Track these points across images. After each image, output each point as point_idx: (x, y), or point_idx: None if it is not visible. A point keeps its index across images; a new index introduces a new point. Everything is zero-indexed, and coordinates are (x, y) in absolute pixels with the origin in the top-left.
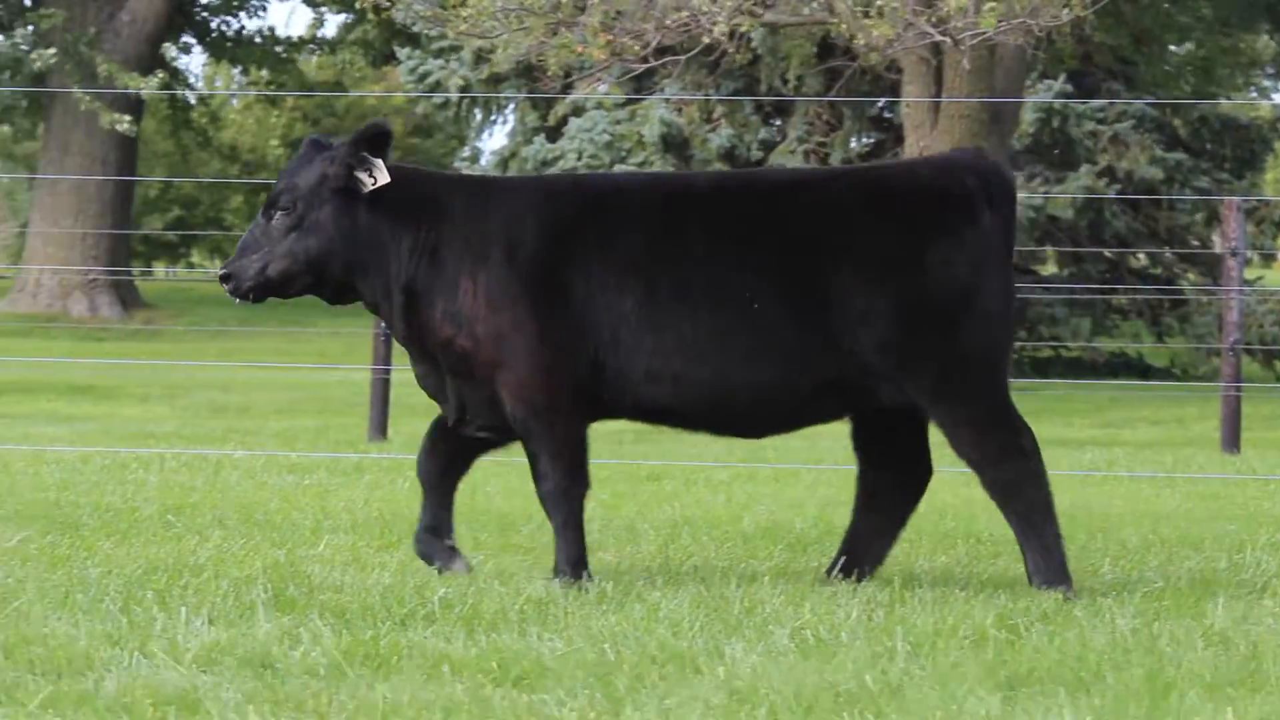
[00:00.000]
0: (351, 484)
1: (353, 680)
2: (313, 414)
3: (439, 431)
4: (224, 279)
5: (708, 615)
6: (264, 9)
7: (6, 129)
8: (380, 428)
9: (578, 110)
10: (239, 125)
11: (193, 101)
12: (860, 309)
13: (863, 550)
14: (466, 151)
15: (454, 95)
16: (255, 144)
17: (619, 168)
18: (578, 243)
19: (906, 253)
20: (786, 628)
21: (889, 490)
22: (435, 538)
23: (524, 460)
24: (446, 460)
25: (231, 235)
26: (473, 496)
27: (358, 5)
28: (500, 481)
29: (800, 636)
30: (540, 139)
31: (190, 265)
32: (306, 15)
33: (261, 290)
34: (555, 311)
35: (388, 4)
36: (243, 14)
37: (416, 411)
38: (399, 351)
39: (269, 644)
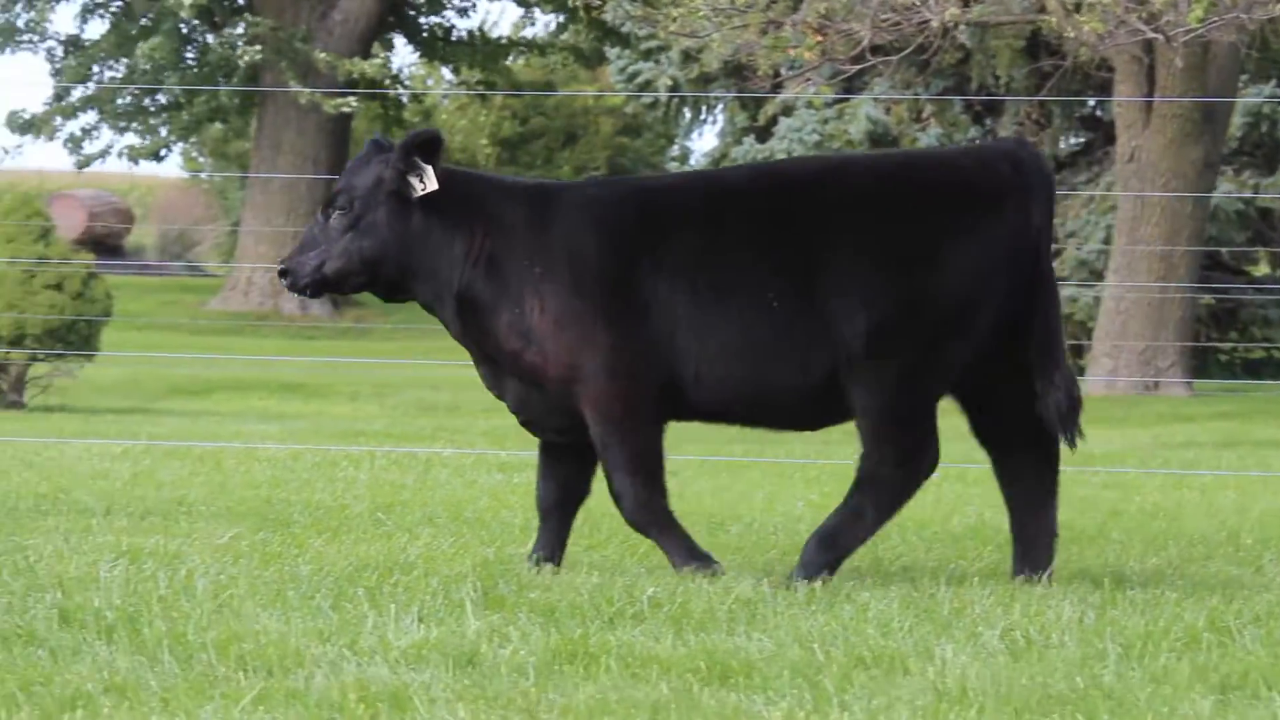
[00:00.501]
0: None
1: (561, 679)
2: None
3: (550, 458)
4: (282, 274)
5: (917, 616)
6: (474, 8)
7: (219, 128)
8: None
9: (787, 110)
10: (449, 125)
11: (405, 100)
12: (866, 296)
13: (1033, 538)
14: (675, 151)
15: (663, 95)
16: (465, 143)
17: None
18: (635, 250)
19: (923, 242)
20: (996, 628)
21: (1026, 465)
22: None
23: (729, 457)
24: (563, 487)
25: None
26: (681, 496)
27: (570, 3)
28: (709, 481)
29: (1010, 637)
30: (750, 139)
31: None
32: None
33: (318, 287)
34: (623, 321)
35: (599, 2)
36: (453, 13)
37: None
38: None
39: (478, 642)
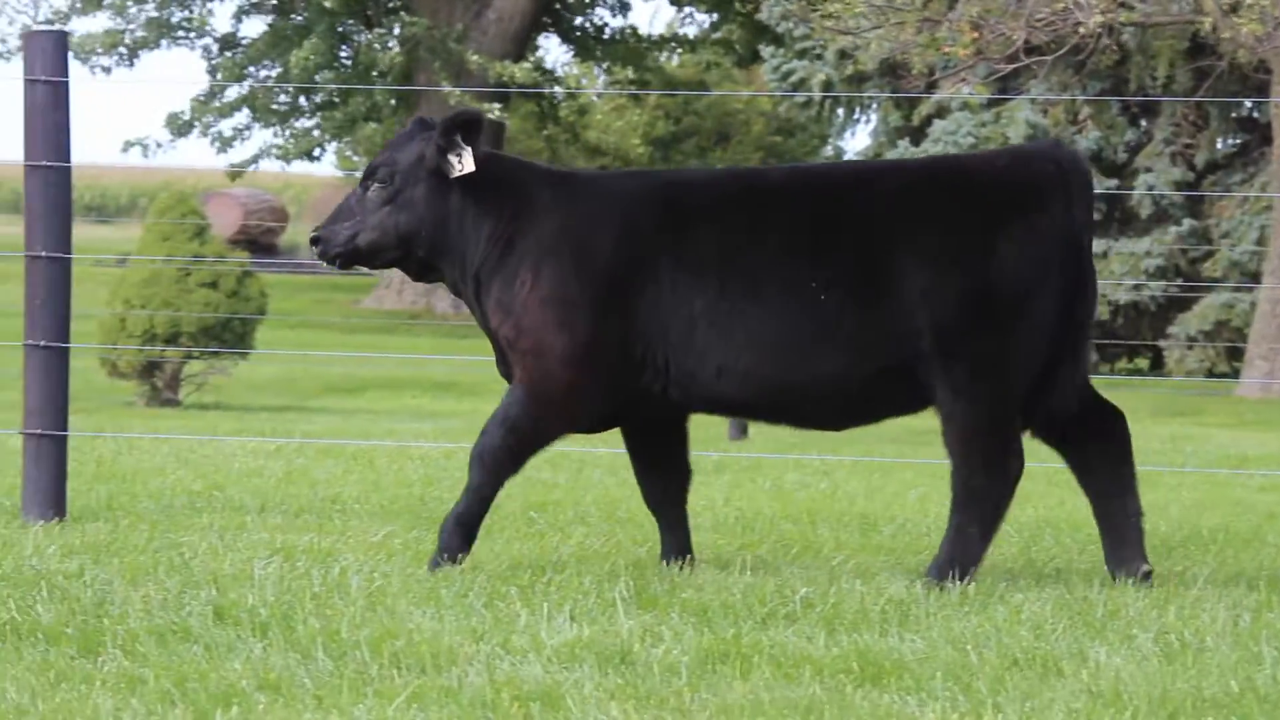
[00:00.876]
0: (711, 483)
1: (714, 678)
2: None
3: (639, 452)
4: (314, 241)
5: (1070, 618)
6: (628, 6)
7: (373, 127)
8: (741, 426)
9: (942, 111)
10: (603, 124)
11: (560, 98)
12: (922, 293)
13: (1119, 526)
14: (829, 151)
15: (817, 95)
16: (619, 143)
17: None
18: (653, 243)
19: (976, 240)
20: (1150, 631)
21: (1097, 455)
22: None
23: (882, 458)
24: (663, 478)
25: None
26: (834, 496)
27: (725, 2)
28: (862, 481)
29: (1164, 640)
30: (904, 141)
31: None
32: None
33: (349, 258)
34: (614, 316)
35: (753, 1)
36: (606, 11)
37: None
38: None
39: (631, 641)
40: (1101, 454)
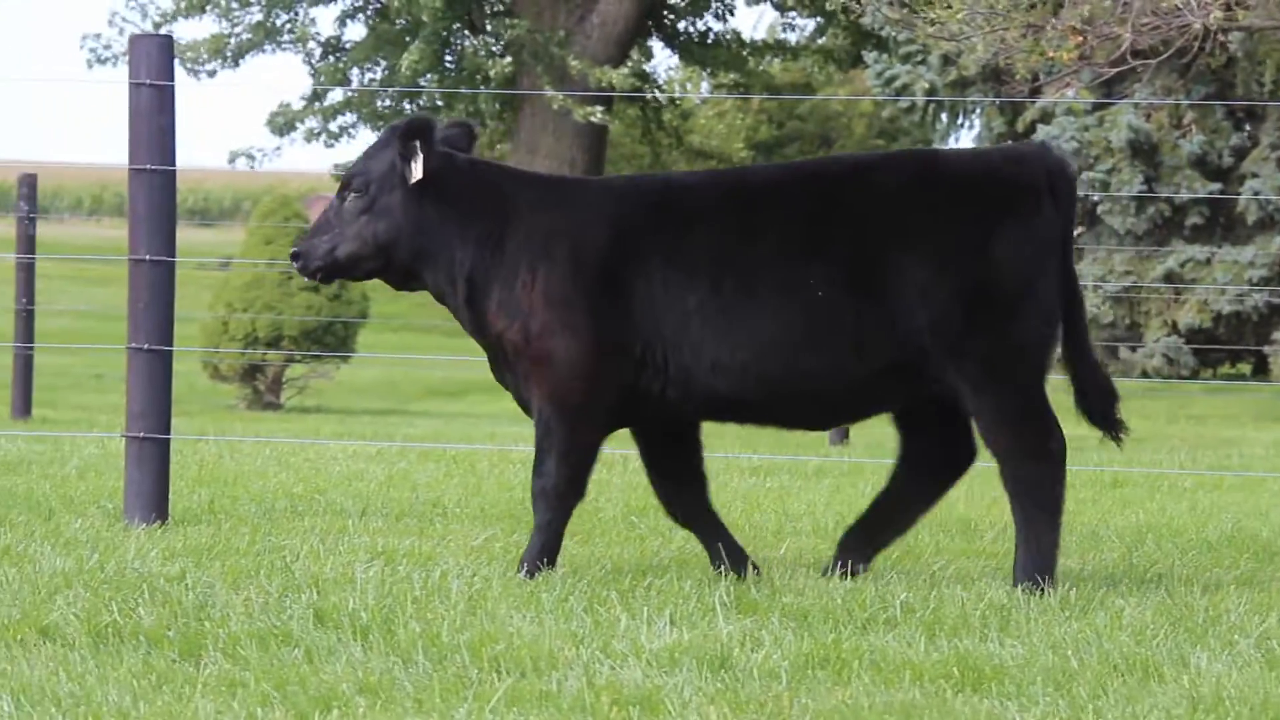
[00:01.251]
0: (811, 487)
1: (813, 683)
2: None
3: (654, 465)
4: (294, 257)
5: (1171, 623)
6: (732, 11)
7: (481, 132)
8: (842, 431)
9: (1045, 116)
10: (707, 128)
11: (663, 102)
12: (920, 291)
13: (883, 529)
14: None
15: (920, 99)
16: (722, 147)
17: (1086, 175)
18: (644, 244)
19: (972, 237)
20: (1252, 637)
21: (926, 470)
22: (739, 564)
23: (986, 465)
24: (679, 488)
25: None
26: None
27: (828, 7)
28: (961, 486)
29: (1266, 646)
30: (1007, 145)
31: None
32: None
33: (329, 271)
34: (613, 315)
35: (858, 6)
36: (710, 16)
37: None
38: None
39: (730, 645)
40: (929, 473)
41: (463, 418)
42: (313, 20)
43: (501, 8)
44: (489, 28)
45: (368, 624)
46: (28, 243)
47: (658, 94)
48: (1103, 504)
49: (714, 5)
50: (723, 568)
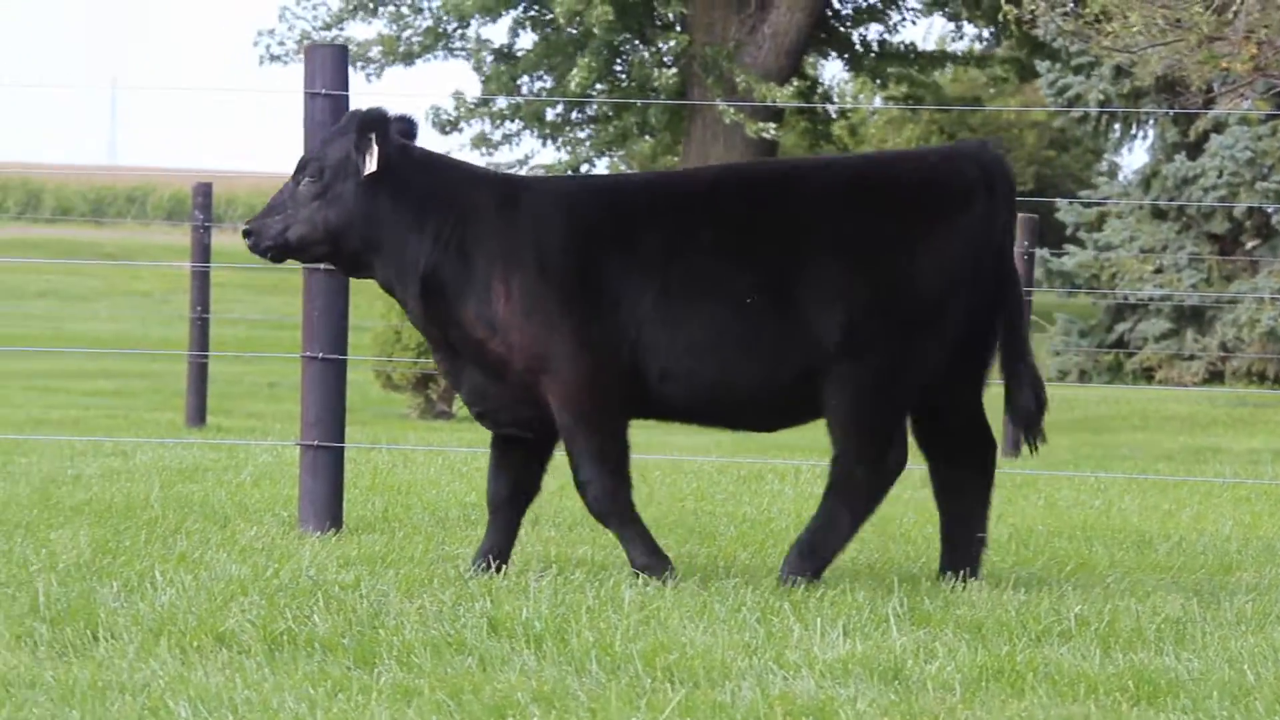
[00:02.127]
0: None
1: (987, 696)
2: None
3: (501, 453)
4: (245, 234)
5: None
6: (904, 22)
7: (647, 142)
8: (1014, 443)
9: (1219, 126)
10: (878, 138)
11: (833, 114)
12: (839, 293)
13: (964, 547)
14: (1104, 166)
15: (1092, 110)
16: None
17: (1259, 185)
18: (602, 245)
19: (899, 239)
20: None
21: (965, 480)
22: (494, 562)
23: (1156, 476)
24: (514, 483)
25: None
26: (1108, 513)
27: (1000, 18)
28: (1136, 499)
29: None
30: (1180, 156)
31: None
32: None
33: (279, 251)
34: (587, 313)
35: (1030, 17)
36: (881, 27)
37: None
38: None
39: (904, 657)
40: (967, 478)
41: (635, 427)
42: (487, 42)
43: (671, 18)
44: (656, 40)
45: (541, 633)
46: (203, 251)
47: (824, 106)
48: None
49: (885, 15)
50: (484, 563)
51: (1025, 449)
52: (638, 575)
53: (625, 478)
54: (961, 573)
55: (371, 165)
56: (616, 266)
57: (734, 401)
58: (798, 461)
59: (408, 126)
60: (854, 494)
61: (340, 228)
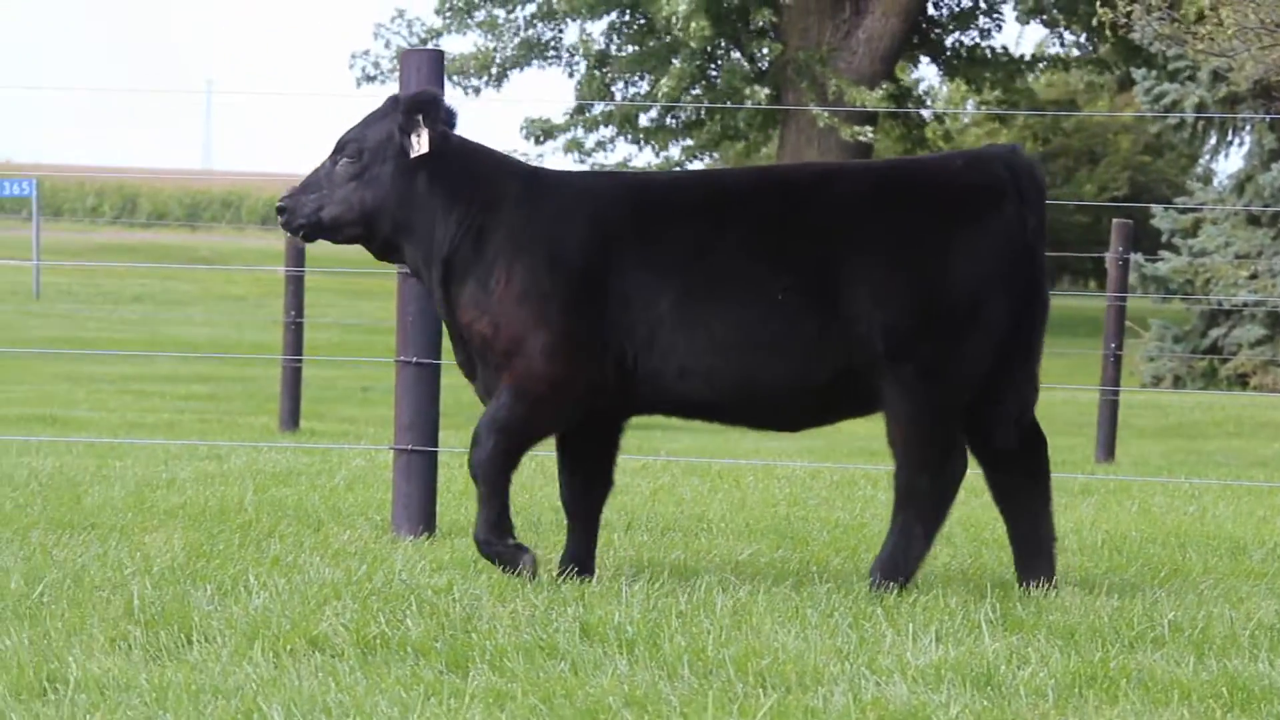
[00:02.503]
0: (1077, 505)
1: (1080, 702)
2: None
3: (569, 457)
4: (280, 210)
5: None
6: (998, 27)
7: (740, 146)
8: (1108, 448)
9: None
10: (974, 144)
11: (927, 118)
12: (876, 295)
13: (1034, 548)
14: (1199, 171)
15: (1188, 115)
16: None
17: None
18: (617, 243)
19: (931, 242)
20: None
21: (1021, 481)
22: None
23: (1251, 482)
24: (587, 485)
25: None
26: (1202, 519)
27: (1095, 22)
28: (1230, 505)
29: None
30: (1277, 163)
31: None
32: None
33: (313, 230)
34: (586, 312)
35: (1125, 21)
36: (976, 32)
37: (1145, 434)
38: (1126, 372)
39: (996, 663)
40: (1025, 481)
41: (726, 433)
42: (588, 34)
43: (764, 25)
44: (750, 47)
45: (633, 637)
46: (297, 256)
47: (920, 110)
48: None
49: (981, 21)
50: (569, 569)
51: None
52: (479, 547)
53: (515, 459)
54: (1041, 578)
55: (422, 147)
56: (634, 265)
57: (760, 400)
58: (890, 467)
59: (448, 114)
60: (923, 505)
61: (376, 209)
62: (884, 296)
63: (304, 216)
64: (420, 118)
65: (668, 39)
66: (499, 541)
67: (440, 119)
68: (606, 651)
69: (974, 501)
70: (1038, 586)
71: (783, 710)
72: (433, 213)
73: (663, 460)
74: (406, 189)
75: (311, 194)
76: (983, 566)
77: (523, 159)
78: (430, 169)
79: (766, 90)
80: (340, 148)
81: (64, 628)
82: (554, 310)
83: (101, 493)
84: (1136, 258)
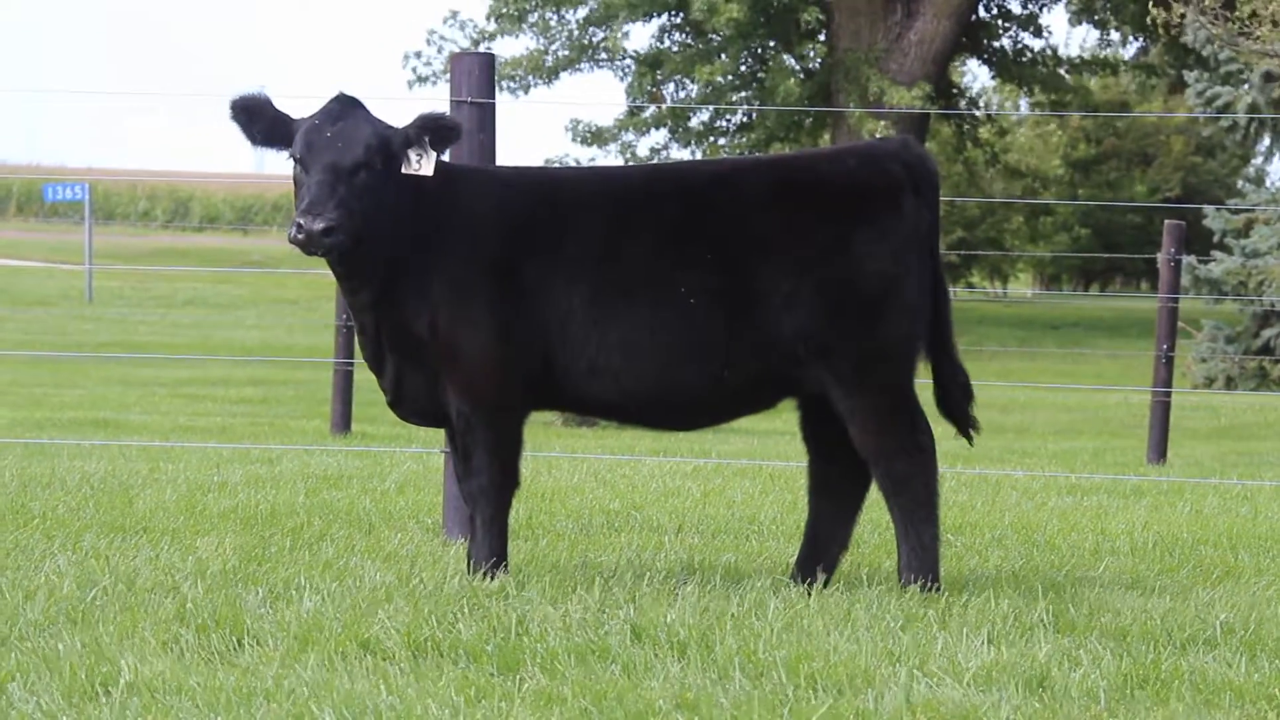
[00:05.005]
0: (1130, 506)
1: (1132, 704)
2: (1091, 435)
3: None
4: (329, 231)
5: None
6: (1049, 29)
7: (784, 148)
8: (1160, 450)
9: None
10: (1024, 145)
11: (979, 118)
12: (784, 298)
13: (824, 547)
14: (1251, 172)
15: (1240, 117)
16: (1038, 164)
17: None
18: (531, 238)
19: (830, 241)
20: None
21: (840, 480)
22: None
23: (1254, 484)
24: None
25: (1010, 256)
26: (1255, 521)
27: (1149, 21)
28: None
29: None
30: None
31: (970, 285)
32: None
33: (350, 245)
34: (510, 307)
35: (1178, 22)
36: (1027, 34)
37: (1197, 435)
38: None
39: (1049, 665)
40: (845, 477)
41: (778, 435)
42: (626, 34)
43: (813, 25)
44: (798, 47)
45: (685, 640)
46: None
47: (972, 112)
48: None
49: (1033, 23)
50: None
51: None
52: (470, 569)
53: (513, 475)
54: (816, 578)
55: (426, 169)
56: (546, 261)
57: (666, 400)
58: (943, 469)
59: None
60: (912, 489)
61: (376, 219)
62: (799, 294)
63: (351, 233)
64: (428, 139)
65: (715, 40)
66: (496, 570)
67: (449, 148)
68: (658, 654)
69: (1026, 504)
70: (812, 581)
71: (835, 713)
72: (376, 217)
73: (714, 463)
74: (393, 197)
75: (341, 210)
76: (1034, 568)
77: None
78: (416, 182)
79: (810, 86)
80: (355, 165)
81: (116, 631)
82: (482, 309)
83: (153, 496)
84: (1189, 259)
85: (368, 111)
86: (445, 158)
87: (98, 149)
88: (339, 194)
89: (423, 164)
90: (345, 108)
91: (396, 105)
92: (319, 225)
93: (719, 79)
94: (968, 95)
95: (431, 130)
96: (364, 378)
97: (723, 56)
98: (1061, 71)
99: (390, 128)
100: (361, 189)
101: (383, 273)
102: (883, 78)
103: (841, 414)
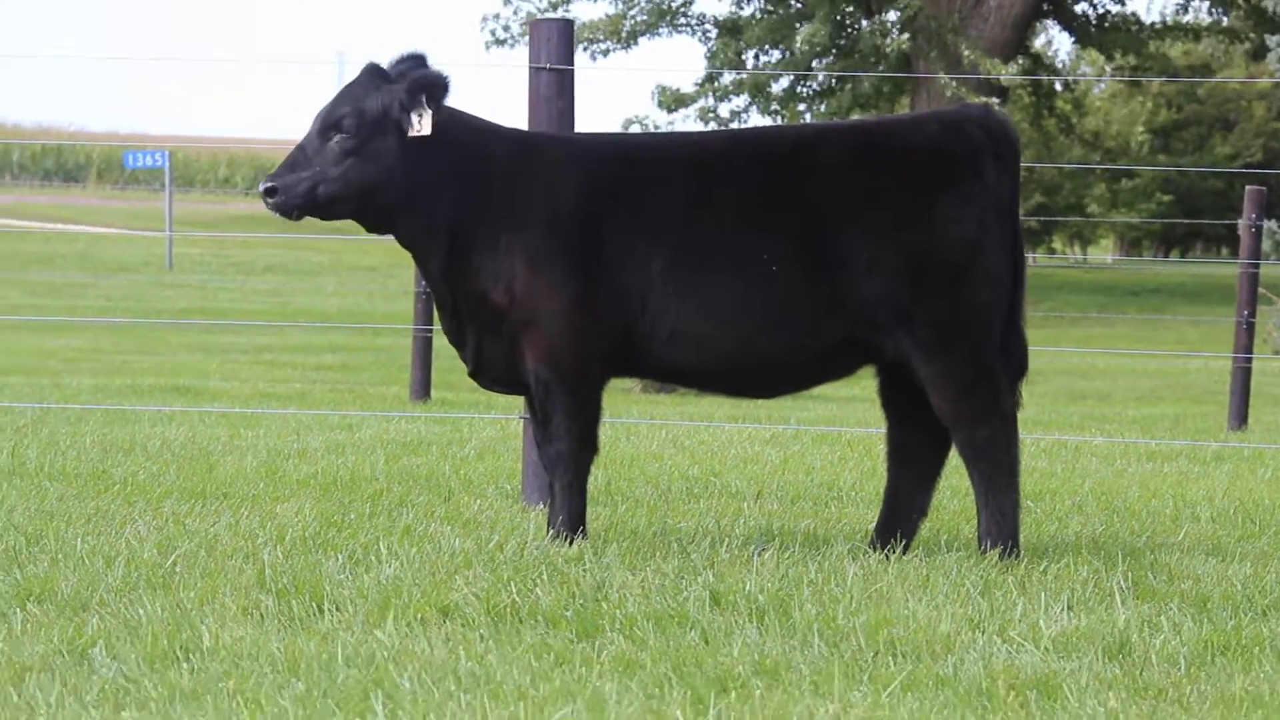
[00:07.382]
0: (1211, 473)
1: (1213, 670)
2: (1172, 401)
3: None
4: (269, 192)
5: None
6: None
7: (862, 115)
8: (1241, 416)
9: None
10: (1104, 111)
11: (1059, 88)
12: (866, 264)
13: (903, 514)
14: None
15: None
16: (1118, 130)
17: None
18: (612, 205)
19: (913, 207)
20: None
21: (920, 446)
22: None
23: None
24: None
25: (1091, 221)
26: None
27: None
28: None
29: None
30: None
31: (1051, 251)
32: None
33: (306, 209)
34: (591, 274)
35: None
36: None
37: (1278, 401)
38: (1259, 339)
39: (1128, 631)
40: (923, 443)
41: (857, 401)
42: (709, 9)
43: None
44: (883, 10)
45: (764, 606)
46: None
47: (1048, 78)
48: None
49: None
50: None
51: None
52: (551, 535)
53: (592, 442)
54: (896, 545)
55: (424, 128)
56: (623, 227)
57: (746, 366)
58: (1023, 435)
59: (445, 84)
60: (994, 456)
61: (375, 184)
62: (882, 259)
63: (299, 196)
64: (424, 98)
65: (796, 6)
66: (575, 537)
67: (444, 101)
68: (737, 620)
69: (1106, 470)
70: (891, 548)
71: (913, 679)
72: (433, 184)
73: (793, 429)
74: (408, 162)
75: (303, 171)
76: (1114, 535)
77: (649, 128)
78: (427, 142)
79: (903, 38)
80: (335, 124)
81: (197, 597)
82: (564, 274)
83: (234, 463)
84: (1270, 224)
85: (375, 80)
86: (523, 126)
87: (177, 116)
88: (294, 159)
89: (422, 124)
90: (360, 77)
91: (472, 71)
92: (262, 187)
93: (813, 44)
94: (1046, 62)
95: (424, 90)
96: (443, 344)
97: (804, 23)
98: (1143, 37)
99: (379, 95)
100: (335, 154)
101: (445, 243)
102: (974, 46)
103: (922, 380)
